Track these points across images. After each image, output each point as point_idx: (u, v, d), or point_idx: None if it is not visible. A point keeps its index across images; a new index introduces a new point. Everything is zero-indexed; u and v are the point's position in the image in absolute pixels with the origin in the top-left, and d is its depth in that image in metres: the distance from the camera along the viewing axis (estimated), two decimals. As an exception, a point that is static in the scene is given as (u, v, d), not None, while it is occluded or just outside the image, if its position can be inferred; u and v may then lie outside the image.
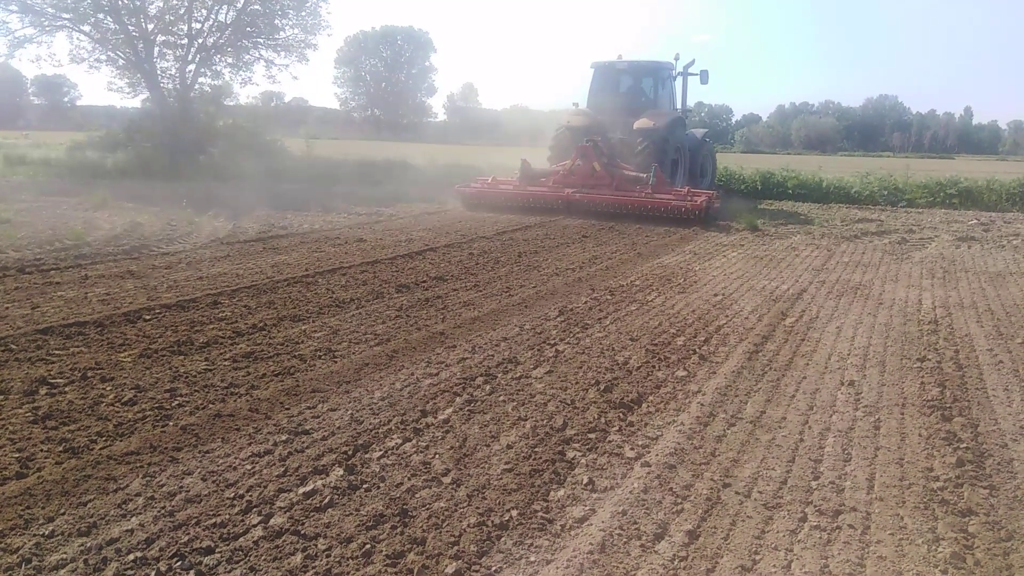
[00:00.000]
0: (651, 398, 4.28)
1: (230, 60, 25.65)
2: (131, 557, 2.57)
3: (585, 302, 6.65)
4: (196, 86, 24.79)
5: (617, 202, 13.04)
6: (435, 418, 3.88)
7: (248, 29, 24.88)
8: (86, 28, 22.84)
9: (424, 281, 7.30)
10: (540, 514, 2.95)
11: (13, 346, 4.77)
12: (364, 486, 3.12)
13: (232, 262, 8.06)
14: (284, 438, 3.57)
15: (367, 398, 4.13)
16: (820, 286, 7.62)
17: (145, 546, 2.64)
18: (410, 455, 3.43)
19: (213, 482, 3.12)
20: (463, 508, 2.97)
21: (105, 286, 6.66)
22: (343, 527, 2.81)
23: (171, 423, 3.71)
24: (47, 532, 2.71)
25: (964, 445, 3.66)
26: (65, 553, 2.59)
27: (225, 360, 4.70)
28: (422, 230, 11.09)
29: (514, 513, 2.94)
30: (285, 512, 2.90)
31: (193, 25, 23.77)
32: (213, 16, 24.15)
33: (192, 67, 24.27)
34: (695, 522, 2.91)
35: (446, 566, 2.59)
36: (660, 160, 13.84)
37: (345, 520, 2.86)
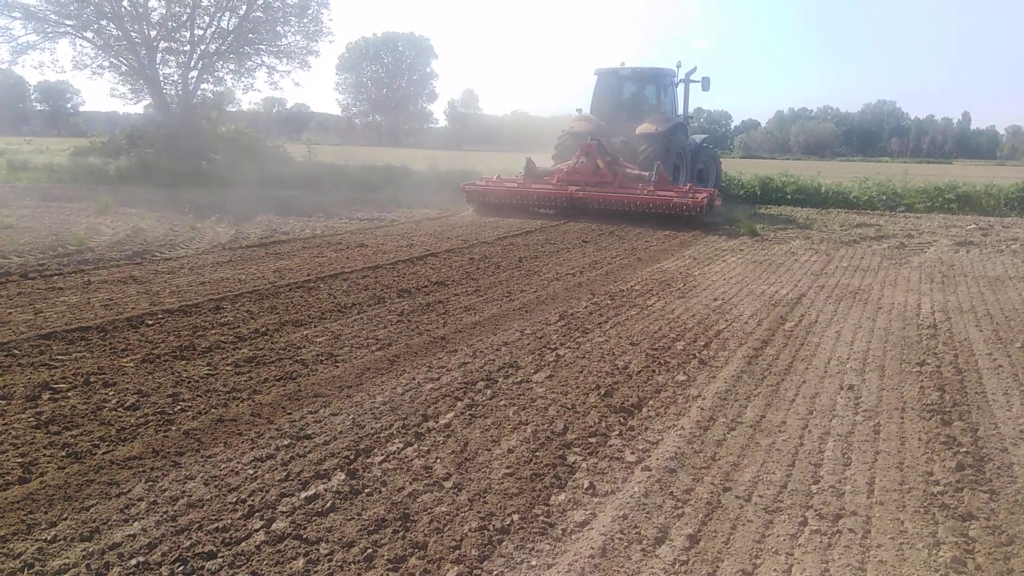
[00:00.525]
0: (651, 402, 4.29)
1: (232, 66, 25.81)
2: (133, 562, 2.58)
3: (585, 307, 6.66)
4: (198, 92, 24.93)
5: (620, 199, 13.16)
6: (436, 422, 3.89)
7: (250, 36, 25.02)
8: (89, 35, 23.00)
9: (425, 286, 7.32)
10: (541, 518, 2.96)
11: (16, 351, 4.78)
12: (366, 490, 3.13)
13: (234, 267, 8.08)
14: (286, 442, 3.58)
15: (369, 403, 4.14)
16: (819, 291, 7.63)
17: (147, 551, 2.66)
18: (411, 459, 3.44)
19: (215, 487, 3.13)
20: (464, 512, 2.98)
21: (108, 291, 6.68)
22: (345, 531, 2.82)
23: (173, 428, 3.72)
24: (50, 537, 2.73)
25: (964, 449, 3.67)
26: (67, 558, 2.60)
27: (227, 365, 4.72)
28: (423, 235, 11.12)
29: (515, 517, 2.95)
30: (287, 516, 2.91)
31: (195, 32, 23.93)
32: (215, 23, 24.31)
33: (194, 73, 24.41)
34: (696, 526, 2.92)
35: (448, 570, 2.60)
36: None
37: (347, 524, 2.87)
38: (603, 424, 3.93)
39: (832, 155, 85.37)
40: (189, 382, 4.38)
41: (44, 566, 2.55)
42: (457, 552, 2.71)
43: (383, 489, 3.15)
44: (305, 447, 3.54)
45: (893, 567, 2.68)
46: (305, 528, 2.83)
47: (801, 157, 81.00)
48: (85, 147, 23.75)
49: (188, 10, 23.40)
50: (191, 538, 2.73)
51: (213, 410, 3.97)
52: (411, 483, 3.21)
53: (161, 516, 2.88)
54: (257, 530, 2.81)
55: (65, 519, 2.85)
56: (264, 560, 2.63)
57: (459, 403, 4.17)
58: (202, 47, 24.24)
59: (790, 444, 3.72)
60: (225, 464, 3.34)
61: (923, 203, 17.15)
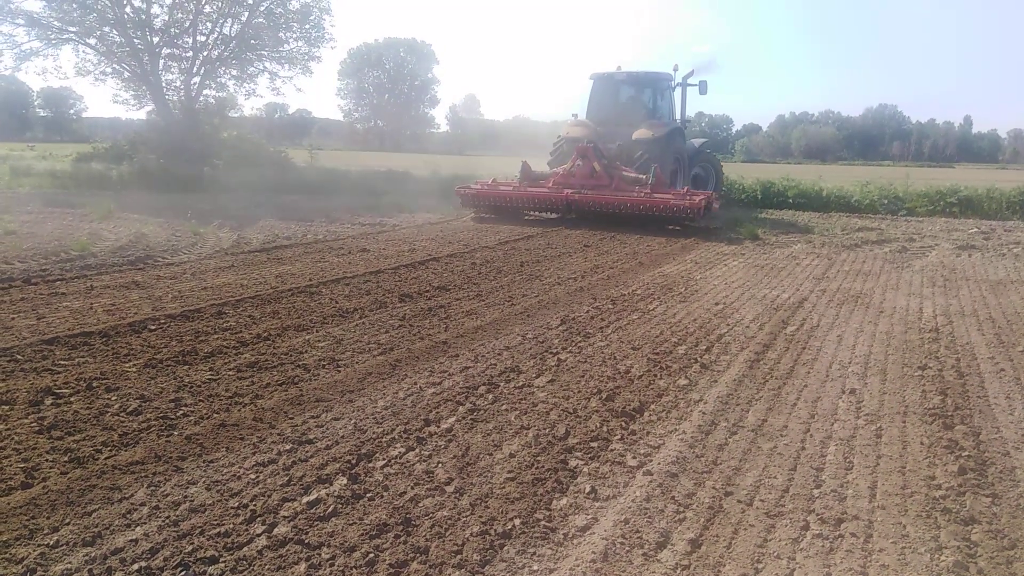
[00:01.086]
0: (653, 407, 4.29)
1: (234, 72, 25.96)
2: (136, 567, 2.59)
3: (587, 311, 6.67)
4: (201, 98, 25.05)
5: (616, 202, 13.12)
6: (438, 427, 3.90)
7: (252, 42, 25.16)
8: (92, 41, 23.14)
9: (427, 291, 7.33)
10: (543, 523, 2.96)
11: (19, 356, 4.80)
12: (367, 495, 3.13)
13: (236, 272, 8.10)
14: (288, 447, 3.59)
15: (370, 407, 4.15)
16: (821, 295, 7.63)
17: (150, 556, 2.66)
18: (413, 464, 3.44)
19: (217, 491, 3.13)
20: (466, 517, 2.98)
21: (110, 296, 6.70)
22: (347, 536, 2.82)
23: (176, 433, 3.73)
24: (52, 542, 2.73)
25: (966, 453, 3.66)
26: (70, 563, 2.61)
27: (229, 370, 4.73)
28: (425, 240, 11.14)
29: (517, 522, 2.95)
30: (289, 521, 2.91)
31: (198, 38, 24.08)
32: (218, 29, 24.46)
33: (197, 79, 24.55)
34: (697, 530, 2.91)
35: (449, 575, 2.60)
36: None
37: (349, 529, 2.87)
38: (605, 428, 3.93)
39: (833, 159, 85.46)
40: (191, 387, 4.39)
41: (46, 571, 2.56)
42: (459, 557, 2.71)
43: (385, 494, 3.15)
44: (307, 452, 3.55)
45: (895, 571, 2.67)
46: (307, 533, 2.84)
47: (802, 161, 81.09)
48: (88, 153, 23.83)
49: (191, 17, 23.56)
50: (193, 543, 2.74)
51: (215, 415, 3.98)
52: (413, 488, 3.21)
53: (163, 521, 2.88)
54: (259, 535, 2.81)
55: (67, 524, 2.85)
56: (266, 565, 2.63)
57: (461, 407, 4.18)
58: (204, 53, 24.39)
59: (792, 448, 3.72)
60: (227, 469, 3.34)
61: (925, 207, 17.15)
